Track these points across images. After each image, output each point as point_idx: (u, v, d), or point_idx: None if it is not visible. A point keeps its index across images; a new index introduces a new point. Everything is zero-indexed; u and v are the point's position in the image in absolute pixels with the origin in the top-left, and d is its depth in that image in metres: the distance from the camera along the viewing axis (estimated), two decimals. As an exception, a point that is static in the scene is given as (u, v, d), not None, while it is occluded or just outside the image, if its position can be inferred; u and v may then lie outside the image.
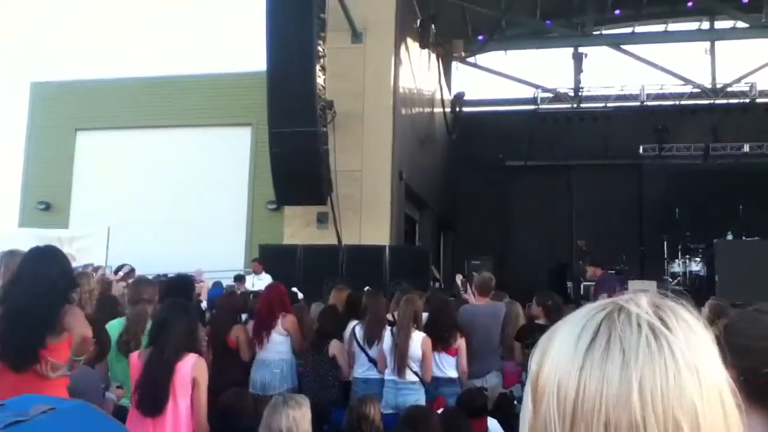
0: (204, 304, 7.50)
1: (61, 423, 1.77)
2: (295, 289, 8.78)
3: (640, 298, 0.73)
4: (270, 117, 12.90)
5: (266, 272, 11.65)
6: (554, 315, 6.19)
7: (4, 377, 3.41)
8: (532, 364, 0.76)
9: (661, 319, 0.70)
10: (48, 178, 17.88)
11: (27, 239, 12.40)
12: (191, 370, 3.73)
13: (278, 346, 6.17)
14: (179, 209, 16.42)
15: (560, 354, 0.72)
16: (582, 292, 13.19)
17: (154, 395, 3.66)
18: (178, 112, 17.10)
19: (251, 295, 8.23)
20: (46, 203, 17.71)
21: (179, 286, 5.66)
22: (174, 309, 4.00)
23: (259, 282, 10.67)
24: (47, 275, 3.59)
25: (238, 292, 8.86)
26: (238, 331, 6.21)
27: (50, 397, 2.04)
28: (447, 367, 5.89)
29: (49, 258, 3.71)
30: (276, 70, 12.73)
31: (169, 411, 3.67)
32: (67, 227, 16.47)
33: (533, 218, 21.30)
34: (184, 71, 18.32)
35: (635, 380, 0.66)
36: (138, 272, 8.57)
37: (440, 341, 5.79)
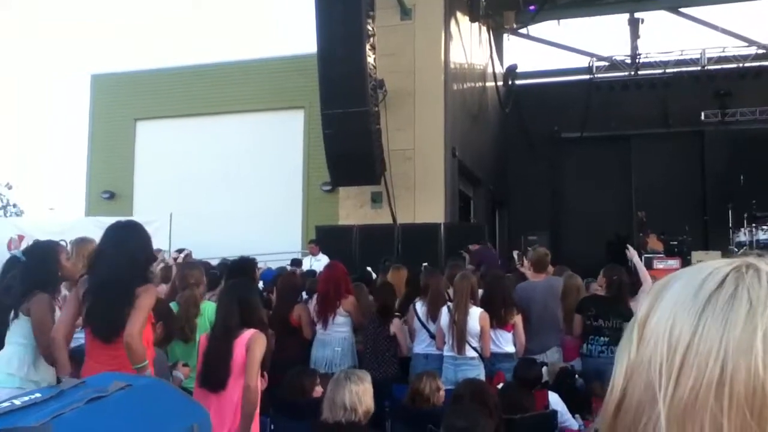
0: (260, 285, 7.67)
1: (138, 398, 1.88)
2: (369, 269, 8.92)
3: None
4: (322, 99, 13.00)
5: (323, 253, 11.81)
6: (615, 291, 6.09)
7: (97, 349, 3.62)
8: (643, 307, 0.74)
9: None
10: (111, 168, 18.48)
11: (93, 227, 12.89)
12: (247, 342, 3.82)
13: (339, 326, 6.29)
14: (236, 194, 16.76)
15: (678, 297, 0.71)
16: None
17: (215, 372, 3.78)
18: (232, 98, 17.37)
19: (313, 275, 8.36)
20: (111, 192, 18.33)
21: (241, 267, 5.82)
22: (231, 289, 4.14)
23: (317, 263, 10.82)
24: (127, 248, 3.73)
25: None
26: (300, 309, 6.37)
27: (128, 374, 2.16)
28: (504, 342, 5.89)
29: (129, 231, 3.87)
30: (326, 52, 12.78)
31: (231, 387, 3.78)
32: (132, 215, 17.02)
33: (590, 191, 20.89)
34: (236, 57, 18.58)
35: (760, 330, 0.65)
36: (199, 256, 8.80)
37: (496, 317, 5.79)
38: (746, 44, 21.31)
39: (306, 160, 16.73)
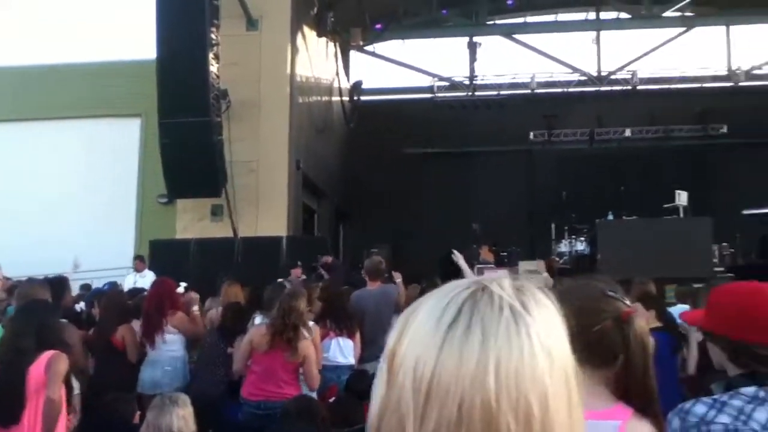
0: (82, 305, 7.19)
1: None
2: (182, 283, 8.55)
3: (503, 280, 0.73)
4: (160, 107, 12.50)
5: (156, 269, 11.21)
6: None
7: None
8: (390, 339, 0.74)
9: (522, 303, 0.71)
10: None
11: None
12: (47, 362, 3.56)
13: (169, 345, 6.02)
14: (64, 205, 15.57)
15: (421, 330, 0.71)
16: (476, 275, 13.48)
17: (4, 404, 3.48)
18: (63, 103, 16.19)
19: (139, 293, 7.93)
20: None
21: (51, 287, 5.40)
22: (24, 311, 3.83)
23: (142, 280, 10.33)
24: None
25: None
26: (124, 330, 5.96)
27: None
28: (349, 352, 5.94)
29: None
30: (166, 58, 12.34)
31: (26, 418, 3.49)
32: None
33: (432, 206, 21.67)
34: (69, 59, 17.33)
35: (492, 362, 0.66)
36: (17, 273, 8.11)
37: (344, 326, 5.83)
38: (571, 71, 23.26)
39: (141, 171, 15.91)
